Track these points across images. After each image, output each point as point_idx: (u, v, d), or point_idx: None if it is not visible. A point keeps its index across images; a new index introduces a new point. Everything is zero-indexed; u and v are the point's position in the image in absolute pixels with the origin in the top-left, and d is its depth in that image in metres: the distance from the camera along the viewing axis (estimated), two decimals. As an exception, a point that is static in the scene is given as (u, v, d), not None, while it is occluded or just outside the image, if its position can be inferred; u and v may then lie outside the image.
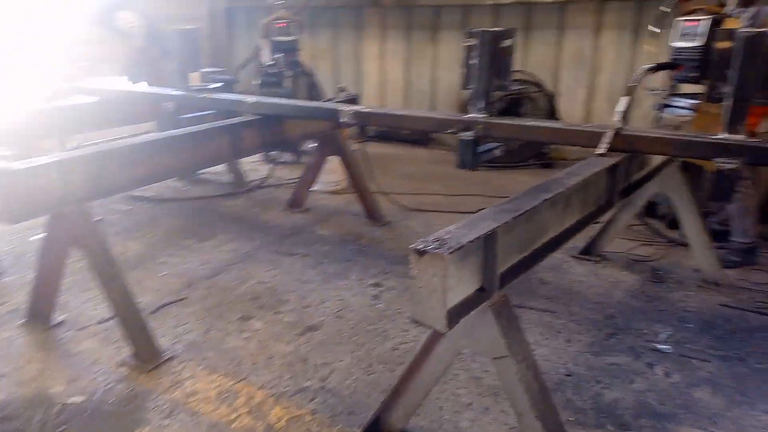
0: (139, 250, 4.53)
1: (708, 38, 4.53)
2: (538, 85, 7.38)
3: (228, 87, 6.20)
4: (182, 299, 3.74)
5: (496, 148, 3.45)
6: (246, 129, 4.05)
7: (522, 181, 6.56)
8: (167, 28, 4.93)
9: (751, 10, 3.91)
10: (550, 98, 7.39)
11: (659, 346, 3.13)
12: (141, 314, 3.10)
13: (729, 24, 3.93)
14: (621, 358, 3.04)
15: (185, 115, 4.85)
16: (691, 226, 3.85)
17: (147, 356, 3.02)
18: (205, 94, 4.53)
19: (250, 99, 4.20)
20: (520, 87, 7.27)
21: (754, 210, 4.19)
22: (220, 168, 6.35)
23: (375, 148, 8.29)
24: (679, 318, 3.46)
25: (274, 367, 2.99)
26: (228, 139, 3.91)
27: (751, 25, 3.81)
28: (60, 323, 3.39)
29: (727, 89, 2.62)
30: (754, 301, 3.66)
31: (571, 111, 7.61)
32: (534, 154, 7.35)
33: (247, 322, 3.46)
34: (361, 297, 3.75)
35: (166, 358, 3.07)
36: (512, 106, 7.20)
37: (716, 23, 4.52)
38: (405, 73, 8.78)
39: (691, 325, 3.37)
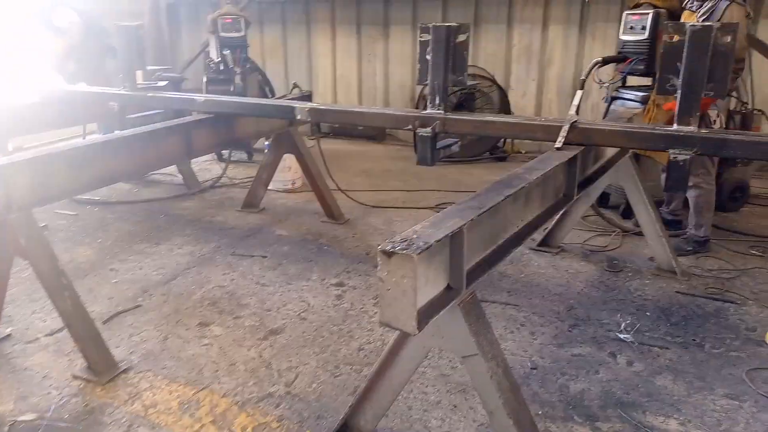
0: (90, 256, 4.34)
1: (653, 31, 4.66)
2: (490, 79, 7.45)
3: (175, 85, 6.04)
4: (137, 307, 3.60)
5: (454, 143, 3.44)
6: (197, 128, 3.93)
7: (477, 175, 6.62)
8: (109, 25, 4.73)
9: (708, 4, 4.00)
10: (503, 92, 7.46)
11: (620, 336, 3.19)
12: (93, 324, 2.96)
13: (686, 18, 4.02)
14: (584, 349, 3.09)
15: (132, 115, 4.67)
16: (645, 215, 3.94)
17: (102, 368, 2.88)
18: (152, 93, 4.37)
19: (201, 97, 4.07)
20: (473, 82, 7.32)
21: (713, 206, 4.31)
22: (171, 169, 6.17)
23: (330, 145, 8.20)
24: (637, 306, 3.54)
25: (238, 374, 2.91)
26: (178, 139, 3.79)
27: (706, 19, 3.91)
28: (6, 337, 3.21)
29: (677, 82, 2.68)
30: (708, 287, 3.78)
31: (522, 104, 7.72)
32: (488, 148, 7.42)
33: (206, 329, 3.35)
34: (324, 297, 3.69)
35: (123, 369, 2.93)
36: (466, 101, 7.25)
37: (660, 17, 4.65)
38: (358, 69, 8.73)
39: (650, 313, 3.45)
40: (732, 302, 3.57)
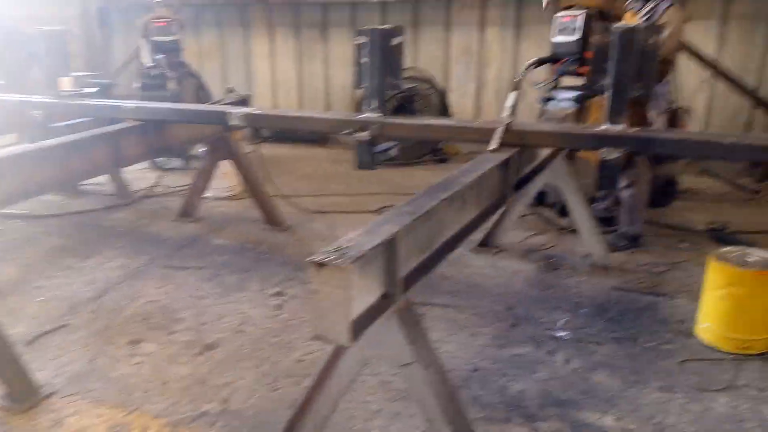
0: (13, 274, 4.09)
1: (584, 32, 4.76)
2: (429, 81, 7.48)
3: (104, 92, 5.78)
4: (64, 326, 3.41)
5: (393, 147, 3.43)
6: (126, 136, 3.77)
7: (420, 177, 6.62)
8: (32, 30, 4.49)
9: (649, 5, 4.10)
10: (442, 94, 7.51)
11: (558, 333, 3.24)
12: (12, 347, 2.76)
13: (628, 19, 4.10)
14: (524, 349, 3.11)
15: (56, 124, 4.44)
16: (579, 213, 4.03)
17: (22, 394, 2.70)
18: (78, 101, 4.16)
19: (130, 104, 3.91)
20: (412, 84, 7.34)
21: (645, 202, 4.44)
22: (102, 179, 5.91)
23: (271, 149, 8.06)
24: (574, 303, 3.61)
25: (170, 393, 2.79)
26: (106, 148, 3.63)
27: (648, 20, 4.01)
28: None
29: (606, 82, 2.74)
30: (641, 281, 3.89)
31: (462, 105, 7.79)
32: (429, 150, 7.45)
33: (137, 346, 3.20)
34: (263, 308, 3.59)
35: (45, 394, 2.76)
36: (405, 104, 7.26)
37: (591, 18, 4.75)
38: (297, 72, 8.62)
39: (586, 310, 3.52)
40: (663, 296, 3.69)
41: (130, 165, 4.78)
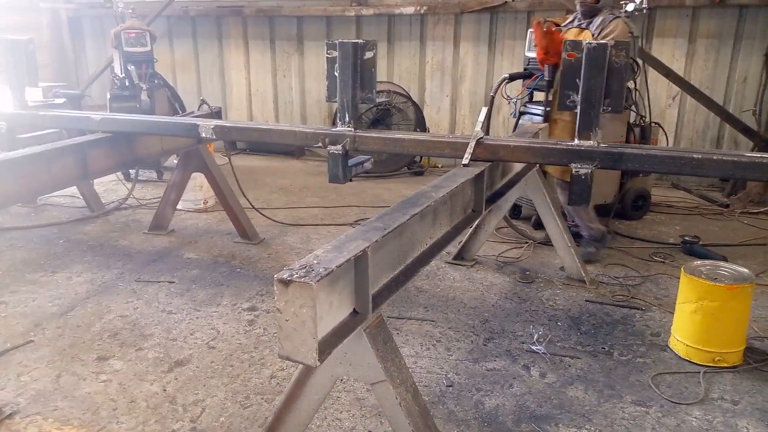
0: (-27, 290, 3.97)
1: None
2: (405, 95, 7.50)
3: (74, 102, 5.69)
4: (28, 342, 3.31)
5: (367, 160, 3.40)
6: (94, 148, 3.69)
7: (396, 189, 6.63)
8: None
9: (597, 20, 4.18)
10: (418, 108, 7.54)
11: (533, 347, 3.23)
12: (-29, 368, 2.68)
13: (574, 35, 4.19)
14: (499, 363, 3.09)
15: (23, 135, 4.33)
16: (554, 226, 4.04)
17: (-19, 417, 2.60)
18: (45, 112, 4.07)
19: (98, 115, 3.83)
20: (388, 98, 7.35)
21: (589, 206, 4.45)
22: (72, 190, 5.80)
23: (246, 161, 8.02)
24: (549, 317, 3.61)
25: (138, 412, 2.71)
26: (72, 160, 3.54)
27: (599, 35, 4.09)
28: None
29: (576, 98, 2.76)
30: (615, 294, 3.91)
31: (437, 119, 7.83)
32: (406, 163, 7.47)
33: (105, 363, 3.11)
34: (235, 323, 3.53)
35: (7, 414, 2.66)
36: (382, 117, 7.27)
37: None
38: (273, 85, 8.58)
39: (561, 323, 3.52)
40: (638, 309, 3.71)
41: (98, 177, 4.71)
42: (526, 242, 4.82)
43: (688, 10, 6.48)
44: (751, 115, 6.18)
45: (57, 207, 5.84)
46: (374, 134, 3.16)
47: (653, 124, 5.62)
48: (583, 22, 4.26)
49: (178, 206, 5.27)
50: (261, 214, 5.28)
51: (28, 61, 4.06)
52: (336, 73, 3.05)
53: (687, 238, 4.70)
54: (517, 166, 3.64)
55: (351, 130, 3.11)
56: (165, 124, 3.80)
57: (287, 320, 1.57)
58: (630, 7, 5.51)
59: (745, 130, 6.15)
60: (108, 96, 6.39)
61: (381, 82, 7.04)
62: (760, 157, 2.47)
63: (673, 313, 3.28)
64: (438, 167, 7.66)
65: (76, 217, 5.52)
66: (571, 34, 4.22)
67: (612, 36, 3.98)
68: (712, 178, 6.65)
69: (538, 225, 4.99)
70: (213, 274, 4.25)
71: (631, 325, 3.52)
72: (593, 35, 4.09)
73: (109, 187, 6.54)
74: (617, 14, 4.21)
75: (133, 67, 6.23)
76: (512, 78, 4.93)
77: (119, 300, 3.83)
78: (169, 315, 3.63)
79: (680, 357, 3.14)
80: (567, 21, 4.47)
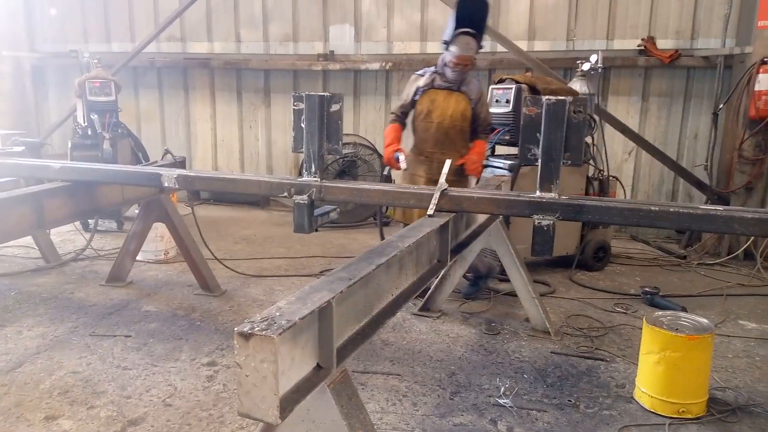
0: None
1: (516, 104, 4.99)
2: (371, 147, 7.60)
3: (34, 151, 5.59)
4: (-31, 403, 3.11)
5: (332, 210, 3.39)
6: (51, 197, 3.59)
7: (361, 240, 6.61)
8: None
9: (472, 84, 4.31)
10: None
11: (500, 401, 3.19)
12: None
13: (457, 99, 4.28)
14: (466, 417, 3.04)
15: (-23, 184, 4.20)
16: (517, 277, 4.07)
17: None
18: (2, 160, 3.97)
19: (57, 164, 3.75)
20: (354, 150, 7.44)
21: None
22: (27, 240, 5.60)
23: (210, 211, 7.94)
24: (515, 369, 3.58)
25: (86, 477, 2.55)
26: (28, 209, 3.44)
27: (479, 99, 4.32)
28: None
29: (537, 151, 2.82)
30: (579, 345, 3.92)
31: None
32: (372, 213, 7.49)
33: (53, 423, 2.94)
34: (194, 379, 3.39)
35: (-59, 483, 2.48)
36: (348, 168, 7.33)
37: (522, 91, 5.00)
38: (239, 136, 8.60)
39: (527, 375, 3.50)
40: (602, 360, 3.72)
41: (55, 227, 4.58)
42: (491, 293, 4.83)
43: (641, 70, 6.81)
44: (703, 169, 6.43)
45: (10, 258, 5.63)
46: (340, 184, 3.17)
47: (611, 178, 5.81)
48: (452, 84, 4.26)
49: (138, 257, 5.14)
50: (223, 265, 5.19)
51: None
52: (303, 125, 3.07)
53: (647, 289, 4.78)
54: (481, 218, 3.67)
55: (317, 180, 3.11)
56: (126, 173, 3.74)
57: (247, 375, 1.51)
58: (585, 66, 5.78)
59: (698, 184, 6.39)
60: (69, 145, 6.30)
61: (347, 134, 7.13)
62: (714, 209, 2.55)
63: (636, 364, 3.30)
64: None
65: (29, 268, 5.33)
66: (452, 98, 4.26)
67: (485, 101, 4.31)
68: (669, 230, 6.85)
69: (503, 276, 5.02)
70: (172, 327, 4.12)
71: (597, 376, 3.52)
72: (470, 99, 4.24)
73: (67, 237, 6.36)
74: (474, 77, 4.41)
75: (96, 116, 6.18)
76: (475, 132, 5.05)
77: (72, 355, 3.66)
78: (125, 371, 3.48)
79: (645, 409, 3.14)
80: (423, 81, 4.32)
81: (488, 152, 5.26)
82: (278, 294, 4.81)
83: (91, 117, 6.16)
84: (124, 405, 3.11)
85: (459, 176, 4.22)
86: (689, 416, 3.05)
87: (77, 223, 6.46)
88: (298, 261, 5.78)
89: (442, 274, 4.31)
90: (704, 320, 3.16)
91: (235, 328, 1.52)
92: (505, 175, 4.83)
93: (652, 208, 2.60)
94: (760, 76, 5.57)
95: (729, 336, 4.12)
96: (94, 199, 4.02)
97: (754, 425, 3.02)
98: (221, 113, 8.62)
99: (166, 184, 3.45)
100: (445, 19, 7.32)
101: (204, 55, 8.39)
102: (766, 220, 2.43)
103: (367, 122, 7.93)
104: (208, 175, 3.78)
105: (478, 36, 4.08)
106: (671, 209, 2.57)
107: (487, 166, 5.30)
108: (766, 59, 5.56)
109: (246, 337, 1.49)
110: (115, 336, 3.95)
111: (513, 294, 4.48)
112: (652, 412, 3.10)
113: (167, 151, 4.58)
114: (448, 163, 2.96)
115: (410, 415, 3.05)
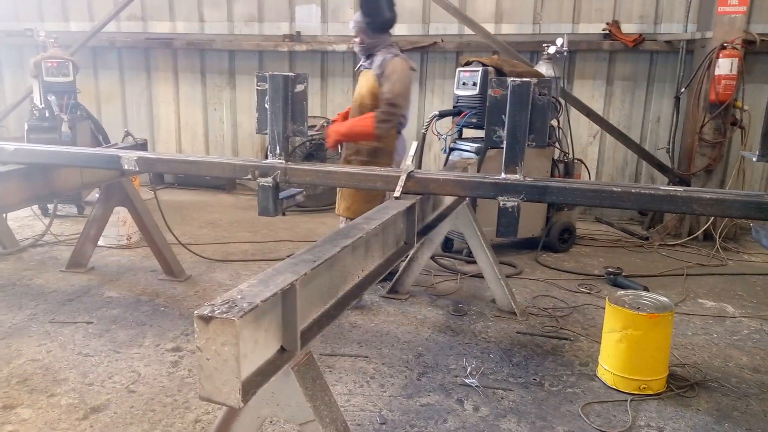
0: None
1: (483, 87, 4.99)
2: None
3: (-14, 133, 5.37)
4: None
5: (299, 193, 3.35)
6: (5, 180, 3.48)
7: (330, 224, 6.57)
8: None
9: (377, 60, 4.02)
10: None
11: (467, 381, 3.22)
12: None
13: (367, 76, 4.07)
14: (433, 398, 3.06)
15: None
16: (484, 259, 4.10)
17: None
18: (-50, 142, 3.81)
19: (10, 146, 3.61)
20: (321, 132, 7.35)
21: None
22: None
23: (174, 195, 7.79)
24: (482, 349, 3.62)
25: (46, 466, 2.49)
26: (-20, 194, 3.31)
27: (381, 74, 3.96)
28: None
29: (502, 133, 2.83)
30: (544, 325, 3.98)
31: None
32: (339, 196, 7.45)
33: (11, 412, 2.86)
34: (158, 365, 3.34)
35: None
36: (316, 152, 7.26)
37: (488, 74, 4.99)
38: (204, 118, 8.43)
39: (493, 355, 3.54)
40: (566, 339, 3.78)
41: (10, 211, 4.43)
42: (459, 275, 4.86)
43: (606, 54, 6.88)
44: (666, 152, 6.56)
45: (-36, 244, 5.44)
46: (305, 166, 3.13)
47: (576, 161, 5.87)
48: (365, 62, 4.13)
49: (99, 242, 5.02)
50: (188, 249, 5.10)
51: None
52: (266, 105, 3.02)
53: (611, 270, 4.87)
54: (448, 200, 3.68)
55: (282, 162, 3.07)
56: (84, 155, 3.63)
57: (208, 359, 1.49)
58: (551, 50, 5.81)
59: (660, 167, 6.51)
60: (26, 127, 6.08)
61: (315, 117, 7.04)
62: (674, 190, 2.60)
63: (600, 343, 3.36)
64: (372, 202, 7.68)
65: (-16, 255, 5.16)
66: (363, 77, 4.11)
67: (396, 76, 3.88)
68: (633, 212, 6.99)
69: (470, 257, 5.06)
70: (135, 313, 4.04)
71: (561, 355, 3.58)
72: (375, 75, 3.97)
73: (25, 222, 6.17)
74: (395, 53, 4.04)
75: (53, 97, 5.97)
76: (442, 115, 5.05)
77: (31, 343, 3.57)
78: (86, 358, 3.40)
79: (608, 386, 3.21)
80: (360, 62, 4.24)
81: (455, 135, 5.26)
82: (245, 279, 4.68)
83: (48, 98, 5.96)
84: (86, 392, 3.04)
85: (371, 157, 4.04)
86: (650, 392, 3.13)
87: (36, 208, 6.27)
88: (266, 245, 5.72)
89: (410, 256, 4.32)
90: (665, 299, 3.24)
91: (195, 311, 1.49)
92: (471, 158, 4.84)
93: (614, 189, 2.63)
94: (720, 60, 5.68)
95: (689, 314, 4.23)
96: (51, 182, 3.90)
97: (711, 399, 3.11)
98: (185, 95, 8.43)
99: (126, 167, 3.36)
100: (414, 0, 7.29)
101: (166, 35, 8.17)
102: (722, 201, 2.49)
103: (334, 104, 7.85)
104: (169, 157, 3.70)
105: (364, 11, 3.92)
106: (632, 190, 2.61)
107: (454, 149, 5.31)
108: (725, 44, 5.67)
109: (206, 320, 1.47)
110: (76, 323, 3.86)
111: (480, 276, 4.52)
112: (615, 389, 3.17)
113: (128, 134, 4.46)
114: (414, 144, 2.95)
115: (378, 397, 3.06)
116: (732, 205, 2.46)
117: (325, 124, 4.34)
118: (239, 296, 1.60)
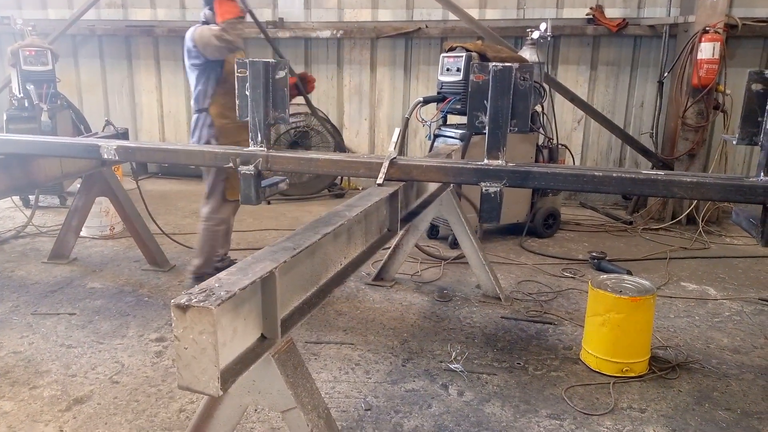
0: None
1: (467, 72, 4.96)
2: (323, 117, 7.49)
3: (-37, 123, 5.28)
4: None
5: (281, 181, 3.32)
6: (-18, 172, 3.41)
7: (316, 212, 6.55)
8: None
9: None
10: (337, 131, 7.55)
11: (452, 366, 3.23)
12: None
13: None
14: (418, 383, 3.07)
15: None
16: (468, 245, 4.10)
17: None
18: (-74, 133, 3.73)
19: (-13, 137, 3.56)
20: (305, 120, 7.32)
21: (215, 245, 4.21)
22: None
23: (158, 185, 7.73)
24: (466, 335, 3.63)
25: (29, 458, 2.48)
26: (-43, 185, 3.25)
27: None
28: None
29: (484, 119, 2.82)
30: (529, 310, 4.00)
31: (357, 142, 7.86)
32: (326, 185, 7.43)
33: (-7, 406, 2.84)
34: (142, 355, 3.32)
35: None
36: (300, 139, 7.22)
37: (472, 59, 4.96)
38: (187, 107, 8.34)
39: (477, 340, 3.56)
40: (550, 323, 3.81)
41: (-11, 203, 4.35)
42: (444, 261, 4.87)
43: (589, 39, 6.88)
44: (649, 137, 6.59)
45: (-57, 237, 5.37)
46: (288, 154, 3.10)
47: (560, 146, 5.88)
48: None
49: (82, 233, 4.97)
50: (172, 239, 5.06)
51: None
52: (247, 92, 2.98)
53: (595, 254, 4.91)
54: (432, 187, 3.67)
55: (263, 150, 3.03)
56: (63, 145, 3.57)
57: (186, 348, 1.48)
58: (535, 35, 5.79)
59: (644, 151, 6.55)
60: (5, 117, 5.98)
61: (299, 104, 6.99)
62: (655, 174, 2.61)
63: (583, 327, 3.39)
64: (359, 189, 7.66)
65: (-35, 247, 5.10)
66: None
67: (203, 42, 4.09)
68: (617, 197, 7.03)
69: (455, 244, 5.07)
70: (118, 304, 4.01)
71: (545, 339, 3.60)
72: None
73: (6, 214, 6.09)
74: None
75: (32, 86, 5.88)
76: (426, 101, 5.03)
77: (13, 335, 3.53)
78: (69, 349, 3.38)
79: (591, 369, 3.24)
80: None
81: (440, 121, 5.25)
82: (230, 267, 4.73)
83: (27, 87, 5.86)
84: (68, 384, 3.02)
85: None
86: (632, 375, 3.16)
87: (17, 199, 6.19)
88: (251, 234, 5.69)
89: (395, 243, 4.32)
90: (647, 282, 3.27)
91: (172, 300, 1.48)
92: (456, 145, 4.83)
93: (596, 173, 2.63)
94: (702, 44, 5.70)
95: (671, 297, 4.27)
96: (30, 173, 3.84)
97: (692, 380, 3.15)
98: (167, 83, 8.33)
99: (105, 156, 3.32)
100: (395, -15, 7.23)
101: (147, 22, 8.06)
102: (703, 184, 2.50)
103: (319, 92, 7.79)
104: (149, 146, 3.65)
105: None
106: (614, 174, 2.61)
107: (438, 135, 5.30)
108: (707, 28, 5.69)
109: (183, 308, 1.46)
110: (58, 314, 3.82)
111: (465, 261, 4.53)
112: (598, 372, 3.20)
113: (108, 122, 4.40)
114: (397, 131, 2.93)
115: (363, 383, 3.07)
116: (712, 188, 2.47)
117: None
118: (217, 284, 1.59)
